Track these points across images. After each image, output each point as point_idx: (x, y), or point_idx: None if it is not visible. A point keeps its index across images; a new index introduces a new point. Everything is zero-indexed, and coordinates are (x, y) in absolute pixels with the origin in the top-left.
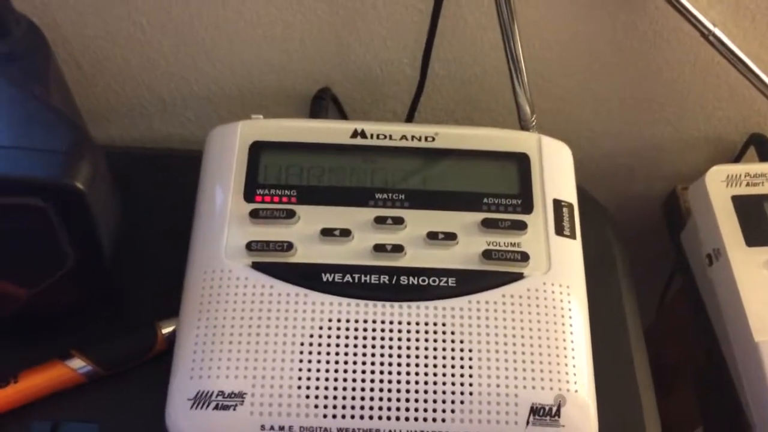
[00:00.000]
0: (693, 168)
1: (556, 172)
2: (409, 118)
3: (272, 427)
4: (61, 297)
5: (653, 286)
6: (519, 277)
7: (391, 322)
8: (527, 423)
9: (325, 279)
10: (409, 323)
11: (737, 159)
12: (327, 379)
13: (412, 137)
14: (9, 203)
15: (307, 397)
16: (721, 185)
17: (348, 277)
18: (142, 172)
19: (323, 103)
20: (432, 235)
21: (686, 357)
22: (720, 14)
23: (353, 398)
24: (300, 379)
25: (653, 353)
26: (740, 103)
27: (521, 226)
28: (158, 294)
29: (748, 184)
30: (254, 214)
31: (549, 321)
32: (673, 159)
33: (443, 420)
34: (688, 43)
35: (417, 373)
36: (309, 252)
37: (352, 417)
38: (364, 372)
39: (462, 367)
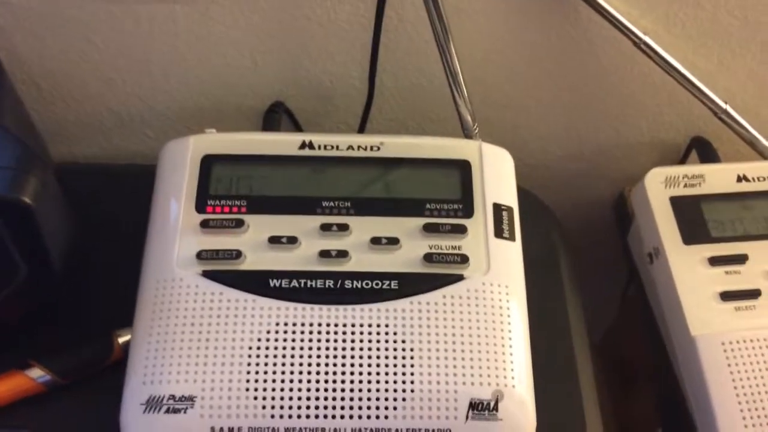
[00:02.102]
0: (641, 170)
1: (497, 178)
2: (361, 129)
3: (222, 429)
4: (16, 308)
5: (616, 286)
6: (459, 278)
7: (336, 325)
8: (467, 417)
9: (272, 285)
10: (353, 325)
11: (682, 161)
12: (274, 381)
13: (358, 147)
14: None
15: (255, 398)
16: (660, 186)
17: (294, 283)
18: (103, 187)
19: (276, 117)
20: (376, 241)
21: (643, 355)
22: (651, 23)
23: (299, 398)
24: (248, 381)
25: (616, 351)
26: (680, 107)
27: (462, 230)
28: (116, 303)
29: (685, 185)
30: (205, 224)
31: (488, 320)
32: (620, 162)
33: (386, 417)
34: (624, 51)
35: (361, 373)
36: (257, 259)
37: (299, 417)
38: (309, 373)
39: (404, 365)
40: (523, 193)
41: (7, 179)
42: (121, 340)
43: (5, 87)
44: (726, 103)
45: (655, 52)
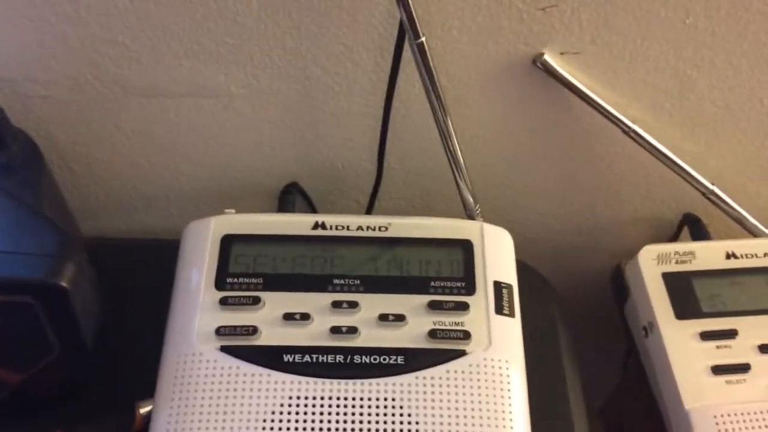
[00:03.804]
0: (637, 243)
1: (497, 257)
2: (370, 207)
3: None
4: (48, 382)
5: (617, 352)
6: (462, 353)
7: (346, 398)
8: None
9: (286, 359)
10: (362, 399)
11: (674, 237)
12: None
13: (367, 227)
14: (1, 301)
15: None
16: (653, 263)
17: (307, 357)
18: (127, 261)
19: (291, 197)
20: (383, 317)
21: (642, 422)
22: (639, 112)
23: None
24: None
25: (617, 417)
26: (671, 186)
27: (464, 307)
28: (139, 375)
29: (677, 262)
30: (224, 302)
31: (489, 393)
32: (616, 236)
33: None
34: (614, 137)
35: None
36: (272, 335)
37: None
38: None
39: None
40: (523, 267)
41: (47, 265)
42: (143, 410)
43: (45, 174)
44: (713, 184)
45: (644, 139)
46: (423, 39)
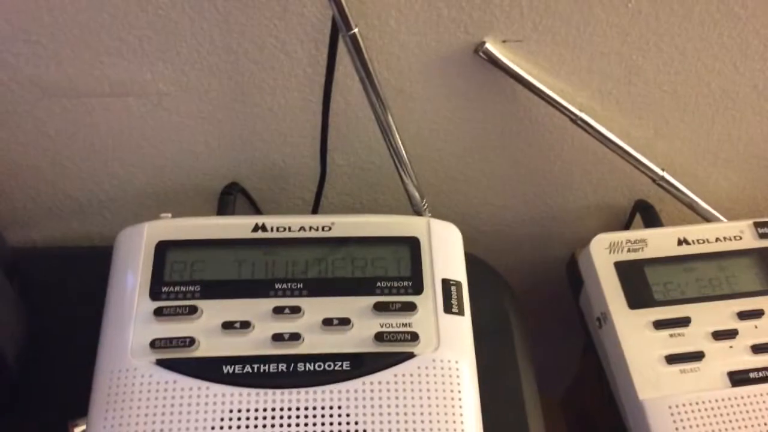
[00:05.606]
0: (591, 232)
1: (445, 253)
2: (316, 205)
3: None
4: None
5: (577, 341)
6: (410, 356)
7: (289, 409)
8: None
9: (225, 371)
10: (306, 408)
11: (627, 223)
12: None
13: (310, 228)
14: None
15: None
16: (605, 252)
17: (248, 368)
18: (60, 271)
19: (230, 198)
20: (327, 322)
21: (603, 410)
22: (587, 99)
23: None
24: None
25: (579, 405)
26: (622, 173)
27: (411, 308)
28: (73, 392)
29: (629, 250)
30: (158, 312)
31: (439, 396)
32: (570, 225)
33: None
34: (563, 125)
35: None
36: (211, 345)
37: None
38: None
39: None
40: (475, 261)
41: None
42: (78, 429)
43: None
44: (663, 170)
45: (592, 127)
46: (356, 30)
